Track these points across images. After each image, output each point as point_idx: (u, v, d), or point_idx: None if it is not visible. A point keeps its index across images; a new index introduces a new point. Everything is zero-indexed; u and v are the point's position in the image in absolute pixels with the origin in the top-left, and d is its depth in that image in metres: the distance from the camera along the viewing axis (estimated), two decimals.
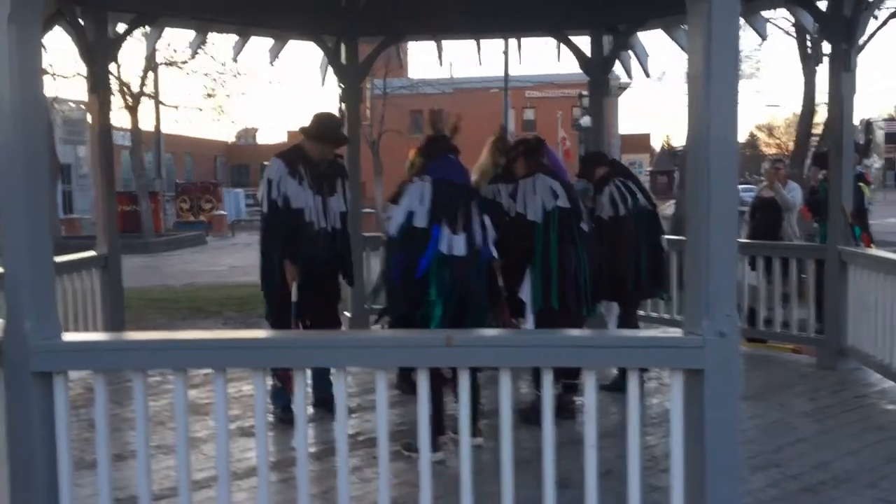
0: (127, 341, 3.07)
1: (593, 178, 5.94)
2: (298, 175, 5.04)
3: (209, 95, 31.19)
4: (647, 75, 8.88)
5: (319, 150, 5.19)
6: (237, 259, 22.17)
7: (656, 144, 67.08)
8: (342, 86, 7.97)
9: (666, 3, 7.33)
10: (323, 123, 5.26)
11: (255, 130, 71.04)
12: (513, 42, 10.14)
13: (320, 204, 5.14)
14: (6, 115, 2.83)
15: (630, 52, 8.00)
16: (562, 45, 8.16)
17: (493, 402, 4.74)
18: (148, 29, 7.54)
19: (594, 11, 7.63)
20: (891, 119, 56.32)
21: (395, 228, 4.40)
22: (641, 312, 7.01)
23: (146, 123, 29.93)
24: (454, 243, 4.38)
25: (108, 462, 3.00)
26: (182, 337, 3.11)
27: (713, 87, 2.69)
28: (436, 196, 4.41)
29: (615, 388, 5.44)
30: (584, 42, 8.12)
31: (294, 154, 5.16)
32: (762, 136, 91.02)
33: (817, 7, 6.34)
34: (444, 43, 8.60)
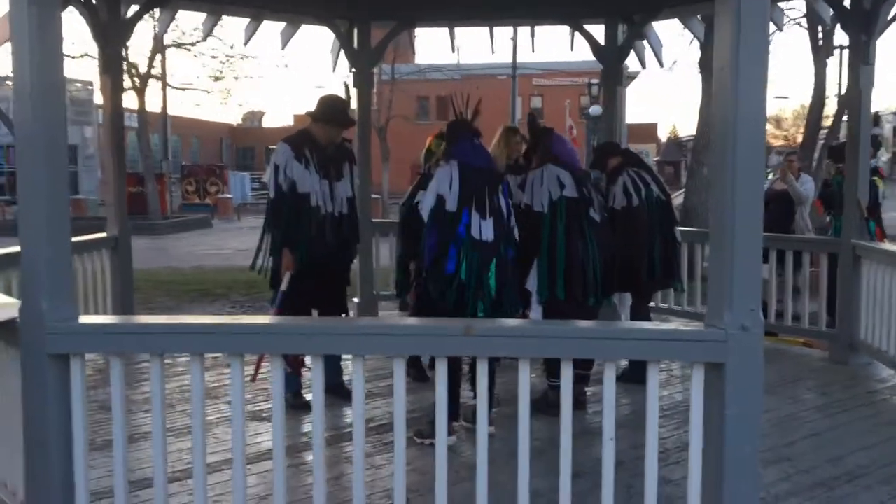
0: (145, 324, 3.05)
1: (606, 169, 5.91)
2: (305, 159, 5.01)
3: (217, 78, 31.17)
4: (661, 65, 8.81)
5: (326, 133, 5.16)
6: (243, 242, 22.14)
7: (663, 135, 66.95)
8: (354, 70, 7.90)
9: None
10: (329, 106, 5.23)
11: (261, 114, 70.93)
12: (524, 29, 10.10)
13: (327, 188, 5.10)
14: (26, 97, 2.82)
15: (644, 41, 7.97)
16: (575, 33, 8.13)
17: (504, 392, 4.75)
18: (158, 11, 7.50)
19: (609, 0, 7.57)
20: None
21: (427, 213, 4.39)
22: (651, 304, 6.99)
23: (153, 105, 29.94)
24: (483, 228, 4.37)
25: (124, 444, 3.00)
26: (201, 321, 3.09)
27: (741, 79, 2.65)
28: (463, 180, 4.40)
29: (625, 378, 5.43)
30: (597, 31, 8.09)
31: (301, 138, 5.13)
32: (770, 127, 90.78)
33: None
34: (454, 29, 8.55)
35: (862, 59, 6.11)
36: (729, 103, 2.67)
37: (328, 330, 2.93)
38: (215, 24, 7.64)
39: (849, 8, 6.19)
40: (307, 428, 4.81)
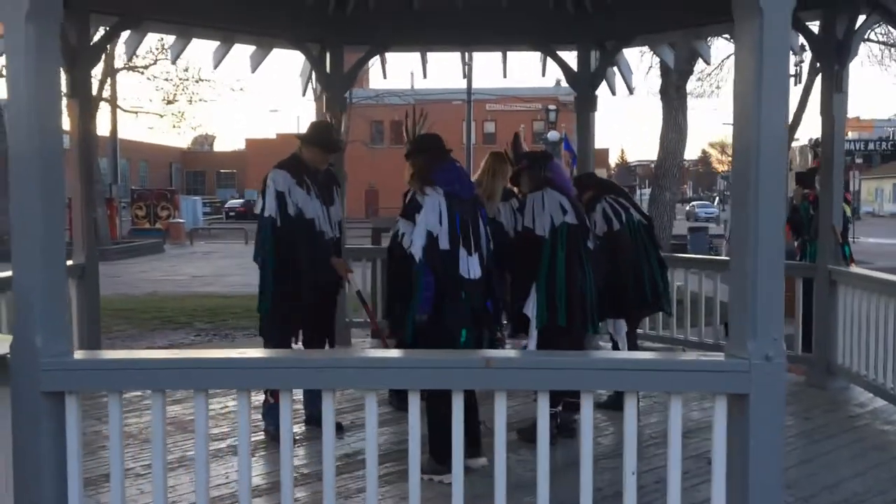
0: (145, 359, 2.92)
1: (583, 200, 5.89)
2: (305, 185, 4.94)
3: (169, 102, 30.78)
4: (631, 92, 8.93)
5: (317, 158, 5.10)
6: (197, 268, 21.78)
7: (612, 160, 67.87)
8: (326, 95, 7.81)
9: (653, 20, 7.38)
10: (320, 130, 5.23)
11: (213, 138, 70.19)
12: (479, 56, 10.04)
13: (325, 212, 5.05)
14: (22, 117, 2.69)
15: (615, 68, 8.03)
16: (547, 59, 8.15)
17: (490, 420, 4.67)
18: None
19: (582, 27, 7.61)
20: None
21: (419, 251, 4.22)
22: (640, 331, 6.97)
23: (101, 128, 29.37)
24: (471, 266, 4.29)
25: (121, 479, 2.85)
26: (203, 356, 2.96)
27: (764, 104, 2.64)
28: (451, 214, 4.29)
29: (610, 405, 5.38)
30: (568, 57, 8.12)
31: (295, 164, 5.04)
32: (714, 153, 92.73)
33: (809, 29, 6.39)
34: (406, 55, 8.55)
35: (835, 87, 6.21)
36: (752, 128, 2.65)
37: (340, 364, 2.82)
38: (184, 48, 7.47)
39: (821, 38, 6.29)
40: (296, 462, 4.65)
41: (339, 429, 4.86)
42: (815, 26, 6.39)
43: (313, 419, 5.34)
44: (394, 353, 3.25)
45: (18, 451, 2.75)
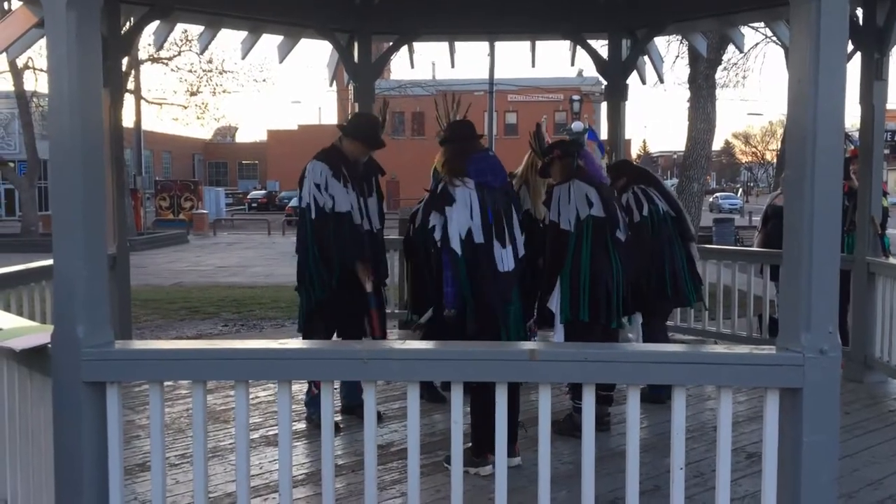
0: (187, 349, 2.89)
1: (616, 187, 5.80)
2: (343, 177, 4.88)
3: (192, 93, 30.91)
4: (661, 80, 8.83)
5: (357, 151, 5.02)
6: (221, 259, 21.88)
7: (635, 151, 67.48)
8: (355, 84, 7.76)
9: (685, 7, 7.27)
10: (366, 125, 5.14)
11: (234, 129, 70.44)
12: (501, 45, 9.93)
13: (363, 204, 4.99)
14: (64, 107, 2.65)
15: (645, 56, 7.92)
16: (577, 48, 8.07)
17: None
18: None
19: (613, 15, 7.51)
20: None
21: (458, 245, 4.15)
22: (670, 323, 6.90)
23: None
24: (505, 258, 4.23)
25: (163, 469, 2.83)
26: (245, 346, 2.92)
27: (821, 91, 2.55)
28: (483, 207, 4.23)
29: (646, 398, 5.31)
30: (598, 46, 8.04)
31: (334, 155, 4.98)
32: (738, 143, 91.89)
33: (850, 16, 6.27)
34: (429, 45, 8.47)
35: (875, 75, 6.09)
36: (808, 116, 2.57)
37: (384, 355, 2.77)
38: (213, 38, 7.46)
39: (861, 25, 6.16)
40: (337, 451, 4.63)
41: (378, 419, 4.84)
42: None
43: (349, 408, 5.33)
44: (437, 344, 3.19)
45: (59, 441, 2.74)
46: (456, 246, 4.14)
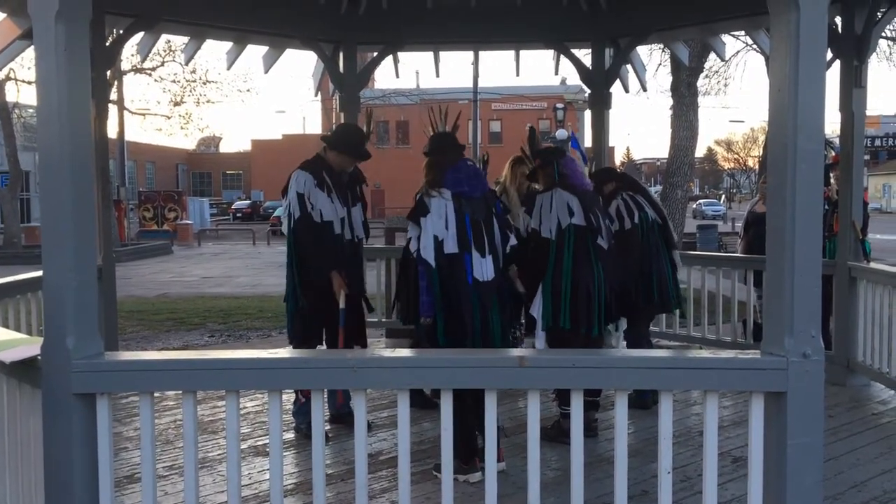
0: (177, 360, 2.89)
1: (605, 193, 5.85)
2: (326, 187, 4.90)
3: (176, 104, 30.83)
4: (644, 89, 8.93)
5: (343, 162, 5.04)
6: (206, 269, 21.80)
7: (619, 159, 67.81)
8: (340, 94, 7.79)
9: (668, 16, 7.34)
10: (351, 136, 5.15)
11: (218, 139, 70.19)
12: (485, 55, 9.95)
13: (346, 214, 5.00)
14: (53, 118, 2.67)
15: (628, 65, 7.99)
16: (560, 56, 8.13)
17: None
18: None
19: (596, 24, 7.57)
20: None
21: (430, 255, 4.20)
22: (655, 328, 6.95)
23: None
24: (484, 268, 4.26)
25: (153, 480, 2.83)
26: (236, 356, 2.93)
27: (801, 99, 2.60)
28: (459, 217, 4.26)
29: (631, 404, 5.34)
30: (582, 55, 8.10)
31: (317, 165, 5.00)
32: (721, 150, 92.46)
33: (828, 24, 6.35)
34: (412, 54, 8.50)
35: (854, 83, 6.18)
36: (788, 124, 2.62)
37: (374, 363, 2.79)
38: (198, 49, 7.47)
39: (840, 33, 6.25)
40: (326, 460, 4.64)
41: (367, 427, 4.86)
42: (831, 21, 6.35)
43: (337, 417, 5.33)
44: (427, 352, 3.22)
45: (49, 453, 2.74)
46: (429, 256, 4.20)
